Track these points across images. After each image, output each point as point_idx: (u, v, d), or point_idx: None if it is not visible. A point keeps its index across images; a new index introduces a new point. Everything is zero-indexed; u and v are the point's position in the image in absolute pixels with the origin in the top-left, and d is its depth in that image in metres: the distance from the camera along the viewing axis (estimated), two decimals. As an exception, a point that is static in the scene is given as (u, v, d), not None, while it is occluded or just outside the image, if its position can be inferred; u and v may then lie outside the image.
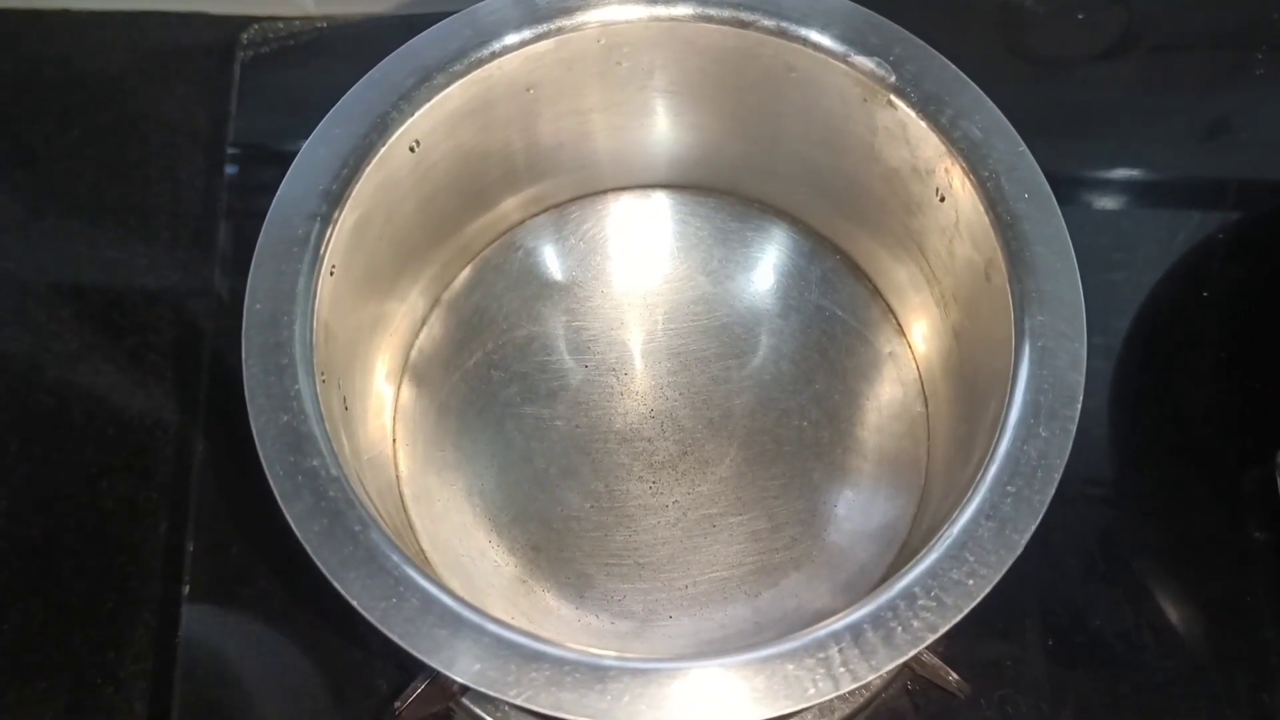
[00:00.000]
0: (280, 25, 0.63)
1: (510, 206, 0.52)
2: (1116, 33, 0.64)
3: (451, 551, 0.47)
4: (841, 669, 0.33)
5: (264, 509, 0.36)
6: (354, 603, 0.34)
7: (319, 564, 0.35)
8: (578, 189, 0.53)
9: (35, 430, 0.56)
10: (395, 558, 0.35)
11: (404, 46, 0.43)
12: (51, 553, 0.53)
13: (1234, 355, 0.57)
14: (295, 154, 0.41)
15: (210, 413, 0.55)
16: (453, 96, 0.43)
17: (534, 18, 0.43)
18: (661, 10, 0.43)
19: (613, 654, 0.33)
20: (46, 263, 0.59)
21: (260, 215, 0.40)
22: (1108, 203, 0.61)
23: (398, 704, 0.44)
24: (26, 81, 0.63)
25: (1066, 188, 0.59)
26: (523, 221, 0.53)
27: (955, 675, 0.45)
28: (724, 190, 0.53)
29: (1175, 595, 0.52)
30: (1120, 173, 0.62)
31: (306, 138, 0.41)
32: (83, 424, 0.55)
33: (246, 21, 0.63)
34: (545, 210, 0.53)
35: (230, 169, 0.60)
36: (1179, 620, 0.52)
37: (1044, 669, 0.50)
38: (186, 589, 0.52)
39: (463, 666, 0.33)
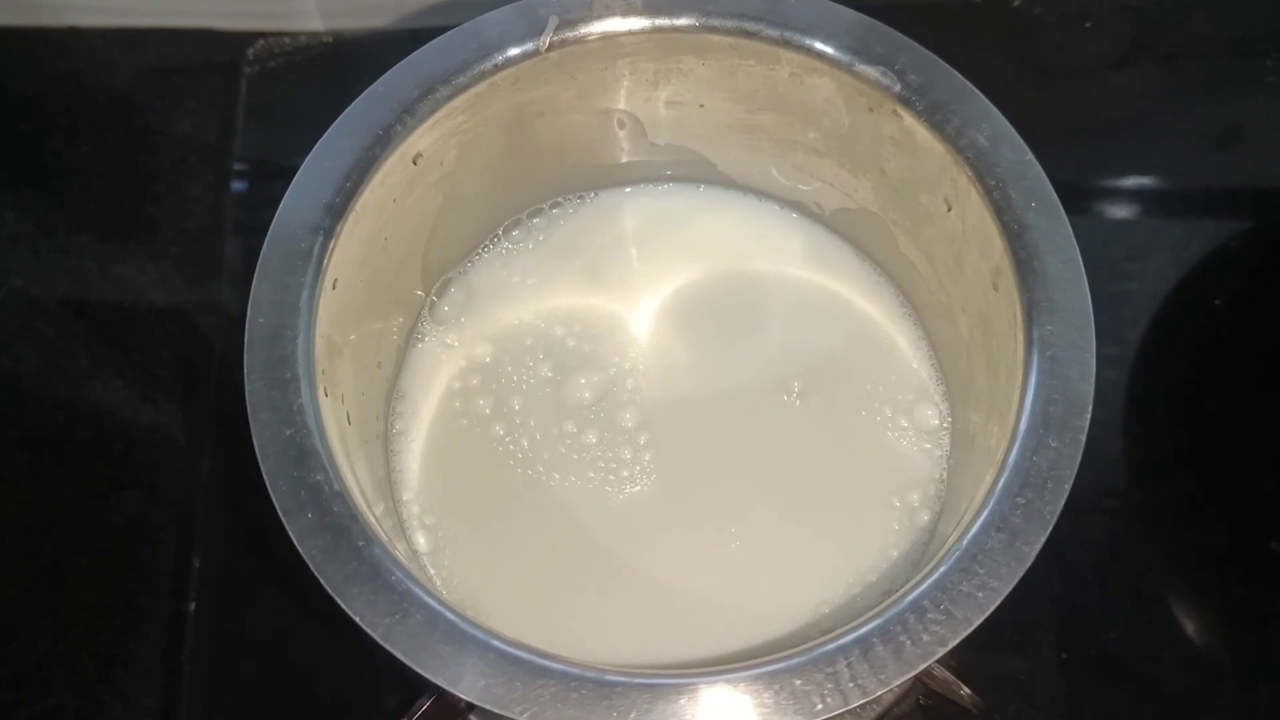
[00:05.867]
0: (286, 40, 0.63)
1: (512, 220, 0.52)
2: (1127, 41, 0.63)
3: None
4: (850, 684, 0.33)
5: (271, 525, 0.36)
6: (357, 619, 0.34)
7: (322, 580, 0.34)
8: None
9: (44, 446, 0.56)
10: (399, 573, 0.34)
11: (407, 59, 0.43)
12: (59, 569, 0.53)
13: (1248, 364, 0.56)
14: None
15: (218, 428, 0.55)
16: (456, 109, 0.43)
17: (537, 30, 0.43)
18: (665, 21, 0.43)
19: (619, 670, 0.33)
20: (55, 279, 0.59)
21: (267, 230, 0.40)
22: (1120, 212, 0.61)
23: (404, 720, 0.44)
24: (35, 99, 0.64)
25: (1078, 197, 0.59)
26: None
27: (968, 690, 0.44)
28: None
29: (1191, 607, 0.52)
30: (1132, 182, 0.61)
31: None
32: (91, 440, 0.56)
33: (253, 37, 0.63)
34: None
35: (237, 184, 0.60)
36: (1195, 632, 0.51)
37: (1058, 683, 0.50)
38: (193, 606, 0.52)
39: (468, 683, 0.33)
